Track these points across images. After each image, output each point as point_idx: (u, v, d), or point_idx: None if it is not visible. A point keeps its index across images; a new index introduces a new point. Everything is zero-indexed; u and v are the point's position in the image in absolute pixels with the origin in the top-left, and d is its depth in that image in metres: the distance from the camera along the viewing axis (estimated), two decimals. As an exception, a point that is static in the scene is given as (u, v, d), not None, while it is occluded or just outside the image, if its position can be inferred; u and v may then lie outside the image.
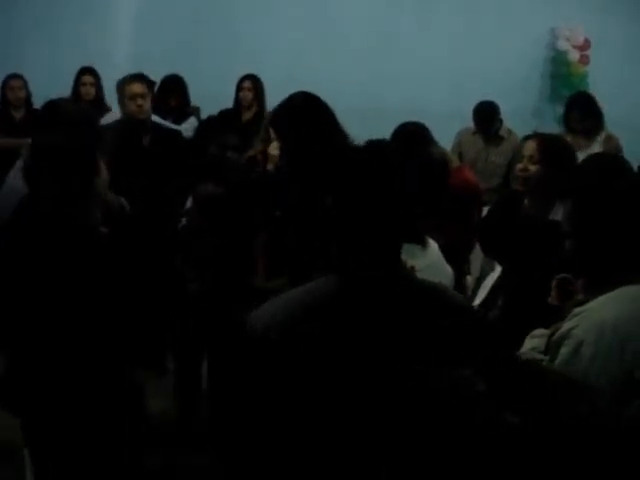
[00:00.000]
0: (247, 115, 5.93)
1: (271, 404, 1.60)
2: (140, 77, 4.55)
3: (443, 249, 3.32)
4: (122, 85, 4.46)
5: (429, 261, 2.61)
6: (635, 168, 4.27)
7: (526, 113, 8.09)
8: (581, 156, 4.72)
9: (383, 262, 1.62)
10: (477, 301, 3.61)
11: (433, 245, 2.74)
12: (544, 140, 3.23)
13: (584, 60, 8.35)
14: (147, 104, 4.46)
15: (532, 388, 0.89)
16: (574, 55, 8.31)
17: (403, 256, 2.45)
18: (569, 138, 5.26)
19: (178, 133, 4.94)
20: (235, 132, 5.62)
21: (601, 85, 8.02)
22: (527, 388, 0.88)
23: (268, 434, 1.61)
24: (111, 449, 2.44)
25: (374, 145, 1.76)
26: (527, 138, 3.38)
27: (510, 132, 5.58)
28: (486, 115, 5.50)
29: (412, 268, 2.20)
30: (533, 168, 3.11)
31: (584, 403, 0.88)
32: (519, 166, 3.20)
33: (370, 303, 1.60)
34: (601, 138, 5.21)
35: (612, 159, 3.47)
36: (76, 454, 2.40)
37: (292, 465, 1.60)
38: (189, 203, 3.81)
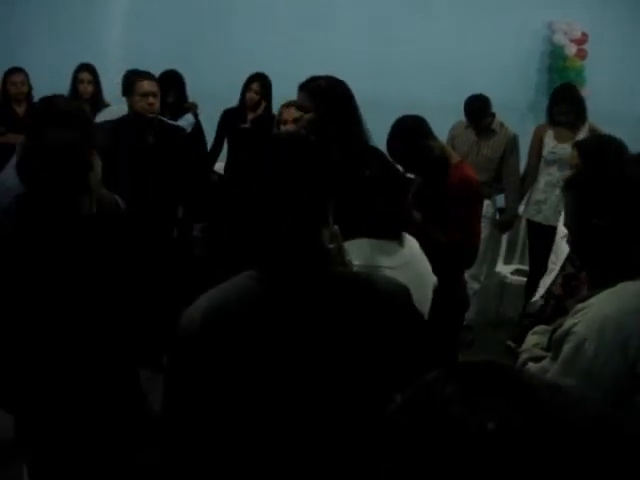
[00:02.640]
0: (253, 114, 5.92)
1: (190, 400, 1.61)
2: (152, 75, 4.53)
3: (449, 248, 3.34)
4: (132, 81, 4.42)
5: (405, 259, 2.59)
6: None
7: (523, 107, 8.09)
8: (566, 148, 4.77)
9: (300, 257, 1.59)
10: (537, 297, 3.62)
11: (411, 242, 2.71)
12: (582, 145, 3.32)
13: (581, 54, 8.35)
14: (158, 103, 4.44)
15: (506, 392, 0.84)
16: (571, 49, 8.31)
17: (376, 253, 2.46)
18: (553, 130, 5.32)
19: (181, 130, 4.94)
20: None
21: (598, 79, 8.02)
22: (500, 392, 0.84)
23: (190, 428, 1.62)
24: (110, 449, 2.44)
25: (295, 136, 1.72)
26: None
27: (502, 125, 5.57)
28: (477, 109, 5.50)
29: (349, 262, 2.18)
30: None
31: (563, 406, 0.85)
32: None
33: (289, 299, 1.58)
34: (585, 129, 5.21)
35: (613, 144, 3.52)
36: (73, 454, 2.40)
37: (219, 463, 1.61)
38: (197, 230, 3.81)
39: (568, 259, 3.40)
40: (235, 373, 1.56)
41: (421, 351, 1.66)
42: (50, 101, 3.43)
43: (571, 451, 0.78)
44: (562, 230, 3.57)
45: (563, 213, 3.65)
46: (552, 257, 3.72)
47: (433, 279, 2.76)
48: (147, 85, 4.37)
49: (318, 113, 3.19)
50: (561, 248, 3.53)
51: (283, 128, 4.22)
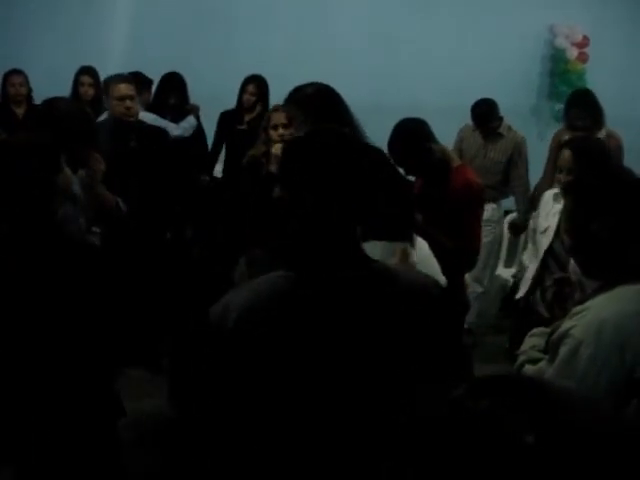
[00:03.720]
0: (249, 116, 5.92)
1: (224, 395, 1.61)
2: (129, 78, 4.51)
3: (452, 252, 3.33)
4: (109, 85, 4.41)
5: (418, 258, 2.62)
6: (637, 165, 4.28)
7: (524, 110, 8.08)
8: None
9: (337, 255, 1.60)
10: (520, 293, 3.63)
11: (421, 244, 2.74)
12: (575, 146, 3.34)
13: (582, 57, 8.34)
14: (136, 106, 4.41)
15: (539, 407, 0.84)
16: (572, 52, 8.30)
17: (387, 255, 2.46)
18: (569, 135, 5.29)
19: (163, 132, 4.90)
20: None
21: (599, 82, 7.99)
22: (532, 404, 0.84)
23: (221, 423, 1.62)
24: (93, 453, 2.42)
25: (333, 136, 1.71)
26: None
27: (510, 129, 5.58)
28: (484, 112, 5.50)
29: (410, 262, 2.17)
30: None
31: (592, 416, 0.85)
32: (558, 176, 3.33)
33: (323, 297, 1.59)
34: (602, 135, 5.19)
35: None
36: (60, 459, 2.38)
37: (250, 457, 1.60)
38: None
39: (549, 253, 3.41)
40: (267, 371, 1.56)
41: (454, 347, 1.65)
42: (51, 103, 3.43)
43: (606, 463, 0.78)
44: (542, 225, 3.57)
45: (540, 212, 3.68)
46: (526, 253, 3.72)
47: (442, 280, 2.77)
48: (123, 88, 4.34)
49: (310, 122, 3.12)
50: (540, 243, 3.53)
51: (273, 133, 4.19)
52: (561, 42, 8.32)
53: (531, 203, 5.49)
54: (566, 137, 5.28)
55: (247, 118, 5.93)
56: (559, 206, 3.40)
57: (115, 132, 4.33)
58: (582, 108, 5.23)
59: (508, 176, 5.50)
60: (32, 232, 2.32)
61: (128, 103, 4.32)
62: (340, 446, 1.57)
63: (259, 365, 1.56)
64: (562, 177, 3.42)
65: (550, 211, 3.55)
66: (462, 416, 0.84)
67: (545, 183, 5.43)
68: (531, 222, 3.85)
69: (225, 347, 1.59)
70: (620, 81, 8.16)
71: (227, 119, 5.99)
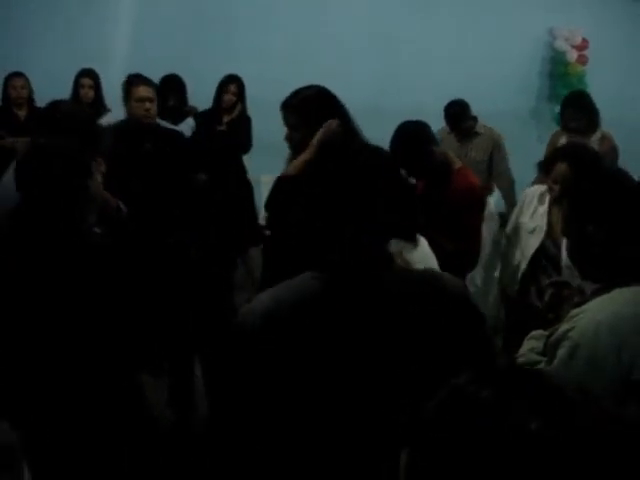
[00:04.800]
0: (229, 117, 5.91)
1: (254, 397, 1.61)
2: (148, 80, 4.52)
3: (452, 254, 3.34)
4: (128, 86, 4.42)
5: (420, 257, 2.64)
6: (635, 168, 4.29)
7: (524, 113, 8.11)
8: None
9: (368, 258, 1.62)
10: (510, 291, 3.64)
11: (423, 242, 2.76)
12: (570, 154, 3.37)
13: (582, 60, 8.36)
14: (154, 108, 4.42)
15: (540, 395, 0.86)
16: (572, 55, 8.32)
17: (395, 251, 2.47)
18: (564, 137, 5.32)
19: (179, 134, 4.92)
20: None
21: (599, 85, 8.02)
22: (535, 395, 0.85)
23: (254, 424, 1.62)
24: (113, 454, 2.43)
25: (361, 144, 1.75)
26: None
27: (486, 127, 5.60)
28: (455, 113, 5.52)
29: (406, 262, 2.19)
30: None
31: (594, 405, 0.86)
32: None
33: (355, 299, 1.59)
34: (597, 137, 5.22)
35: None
36: (78, 460, 2.39)
37: (279, 457, 1.61)
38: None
39: (541, 253, 3.41)
40: (297, 372, 1.56)
41: (481, 350, 1.66)
42: (55, 106, 3.43)
43: (606, 453, 0.79)
44: (528, 225, 3.58)
45: (523, 210, 3.68)
46: (517, 254, 3.72)
47: None
48: (143, 90, 4.35)
49: (308, 127, 3.11)
50: (527, 242, 3.54)
51: None
52: (561, 44, 8.34)
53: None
54: (562, 140, 5.32)
55: (226, 119, 5.92)
56: (544, 207, 3.42)
57: (131, 134, 4.34)
58: (577, 110, 5.26)
59: (491, 174, 5.52)
60: (62, 236, 2.32)
61: (147, 105, 4.34)
62: (369, 446, 1.57)
63: (288, 366, 1.57)
64: (556, 189, 3.43)
65: (536, 211, 3.57)
66: (465, 404, 0.85)
67: (540, 183, 5.48)
68: (512, 219, 3.85)
69: (254, 350, 1.60)
70: (620, 83, 8.18)
71: (203, 119, 5.96)
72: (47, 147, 2.43)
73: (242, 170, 6.01)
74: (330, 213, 1.61)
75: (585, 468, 0.79)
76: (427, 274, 1.78)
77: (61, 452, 2.37)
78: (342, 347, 1.57)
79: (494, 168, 5.50)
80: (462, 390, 0.87)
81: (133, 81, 4.42)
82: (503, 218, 5.54)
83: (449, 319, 1.62)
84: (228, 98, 5.89)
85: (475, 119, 5.60)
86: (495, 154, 5.51)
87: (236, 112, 5.88)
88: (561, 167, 3.45)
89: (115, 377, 2.44)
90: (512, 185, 5.60)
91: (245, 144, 5.99)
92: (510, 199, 5.53)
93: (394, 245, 2.53)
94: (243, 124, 5.94)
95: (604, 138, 5.22)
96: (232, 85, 5.90)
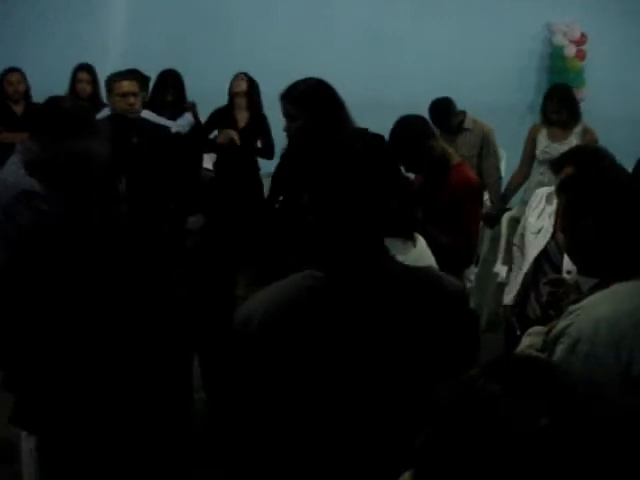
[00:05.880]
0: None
1: (252, 396, 1.61)
2: (131, 74, 4.51)
3: (449, 249, 3.34)
4: (111, 82, 4.41)
5: (418, 255, 2.63)
6: (632, 162, 4.28)
7: (522, 108, 8.09)
8: (559, 148, 4.78)
9: (366, 256, 1.61)
10: (507, 300, 3.59)
11: (421, 240, 2.75)
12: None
13: (580, 55, 8.35)
14: (138, 102, 4.41)
15: (548, 389, 0.85)
16: (570, 50, 8.31)
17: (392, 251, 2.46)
18: (546, 130, 5.32)
19: (166, 129, 4.90)
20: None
21: (597, 80, 8.03)
22: (543, 389, 0.85)
23: (254, 424, 1.62)
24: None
25: (357, 138, 1.73)
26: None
27: (475, 122, 5.57)
28: (441, 111, 5.49)
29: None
30: None
31: (603, 400, 0.86)
32: None
33: (353, 297, 1.59)
34: (578, 130, 5.23)
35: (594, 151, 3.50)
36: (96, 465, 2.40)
37: (280, 457, 1.61)
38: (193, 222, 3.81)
39: (543, 256, 3.39)
40: (295, 371, 1.56)
41: (473, 349, 1.66)
42: (57, 103, 3.40)
43: (612, 444, 0.79)
44: (534, 225, 3.55)
45: (531, 211, 3.65)
46: (516, 252, 3.70)
47: None
48: (126, 85, 4.34)
49: (305, 119, 3.14)
50: (531, 243, 3.50)
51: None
52: (559, 39, 8.33)
53: (506, 194, 5.54)
54: (542, 134, 5.30)
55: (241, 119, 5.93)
56: (552, 208, 3.38)
57: (117, 129, 4.33)
58: (558, 102, 5.26)
59: (481, 169, 5.50)
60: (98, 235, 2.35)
61: (131, 100, 4.33)
62: (366, 444, 1.58)
63: (286, 365, 1.57)
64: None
65: (544, 212, 3.53)
66: (473, 398, 0.85)
67: (520, 174, 5.47)
68: (522, 221, 3.82)
69: (252, 349, 1.59)
70: (618, 78, 8.17)
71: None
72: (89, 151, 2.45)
73: (254, 168, 5.99)
74: (325, 210, 1.61)
75: (593, 464, 0.79)
76: (424, 272, 1.77)
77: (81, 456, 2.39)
78: (338, 347, 1.56)
79: (482, 163, 5.48)
80: (471, 384, 0.87)
81: (116, 76, 4.41)
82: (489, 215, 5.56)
83: (445, 319, 1.62)
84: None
85: (463, 113, 5.58)
86: (484, 149, 5.50)
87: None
88: (568, 171, 3.43)
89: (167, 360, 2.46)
90: (499, 182, 5.58)
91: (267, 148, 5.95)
92: (494, 196, 5.52)
93: (391, 244, 2.54)
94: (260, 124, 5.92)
95: (586, 131, 5.23)
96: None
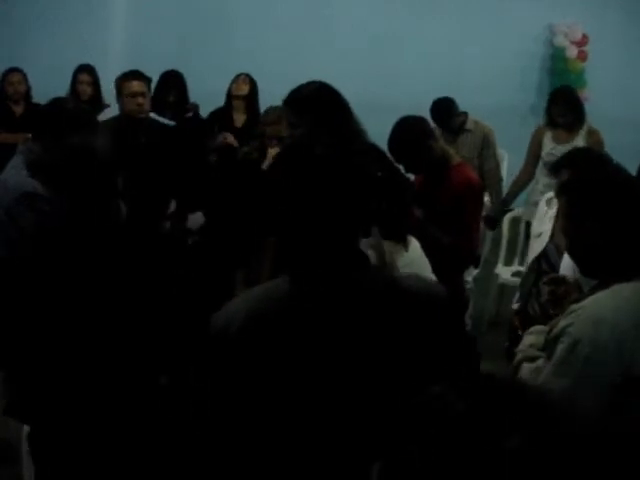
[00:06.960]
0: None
1: (228, 400, 1.60)
2: (139, 75, 4.52)
3: (449, 250, 3.33)
4: (120, 82, 4.42)
5: (409, 259, 2.62)
6: (635, 164, 4.27)
7: (524, 109, 8.09)
8: (563, 149, 4.77)
9: (337, 261, 1.58)
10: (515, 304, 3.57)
11: (414, 243, 2.74)
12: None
13: (582, 56, 8.34)
14: (147, 103, 4.42)
15: (515, 407, 0.83)
16: (572, 51, 8.30)
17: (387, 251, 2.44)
18: (551, 132, 5.31)
19: (174, 129, 4.90)
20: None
21: (599, 81, 8.02)
22: (510, 407, 0.83)
23: (230, 427, 1.61)
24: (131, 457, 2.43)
25: (331, 143, 1.69)
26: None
27: (477, 123, 5.55)
28: (442, 111, 5.47)
29: (391, 264, 2.16)
30: None
31: (569, 417, 0.84)
32: None
33: (323, 303, 1.57)
34: (584, 132, 5.22)
35: (598, 154, 3.48)
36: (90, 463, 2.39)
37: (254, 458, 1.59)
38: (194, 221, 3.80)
39: (542, 258, 3.38)
40: (271, 377, 1.55)
41: (457, 355, 1.64)
42: (60, 105, 3.40)
43: (581, 460, 0.77)
44: (536, 230, 3.54)
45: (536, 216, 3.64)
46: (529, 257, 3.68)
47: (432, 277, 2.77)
48: (135, 86, 4.35)
49: (307, 124, 3.09)
50: (533, 247, 3.50)
51: (269, 129, 4.18)
52: (560, 41, 8.32)
53: (507, 198, 5.52)
54: (547, 136, 5.30)
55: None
56: (552, 211, 3.38)
57: (125, 129, 4.33)
58: (564, 105, 5.26)
59: (482, 170, 5.48)
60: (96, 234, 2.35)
61: (140, 100, 4.34)
62: (343, 449, 1.56)
63: (262, 371, 1.56)
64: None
65: (546, 215, 3.52)
66: (438, 416, 0.82)
67: (525, 173, 5.47)
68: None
69: (229, 355, 1.58)
70: (619, 79, 8.17)
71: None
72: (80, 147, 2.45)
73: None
74: (300, 214, 1.57)
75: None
76: (401, 279, 1.72)
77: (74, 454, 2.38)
78: (312, 353, 1.55)
79: (483, 164, 5.46)
80: (436, 401, 0.85)
81: (125, 76, 4.42)
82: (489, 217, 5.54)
83: (416, 327, 1.59)
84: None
85: (465, 114, 5.56)
86: (484, 150, 5.48)
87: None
88: (565, 174, 3.42)
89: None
90: (499, 183, 5.56)
91: None
92: (495, 197, 5.51)
93: (386, 246, 2.52)
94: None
95: (591, 133, 5.22)
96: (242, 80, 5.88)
